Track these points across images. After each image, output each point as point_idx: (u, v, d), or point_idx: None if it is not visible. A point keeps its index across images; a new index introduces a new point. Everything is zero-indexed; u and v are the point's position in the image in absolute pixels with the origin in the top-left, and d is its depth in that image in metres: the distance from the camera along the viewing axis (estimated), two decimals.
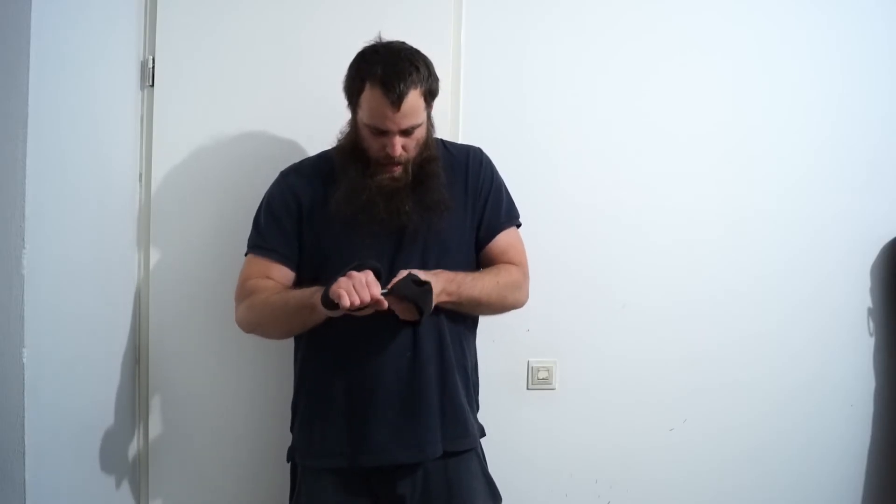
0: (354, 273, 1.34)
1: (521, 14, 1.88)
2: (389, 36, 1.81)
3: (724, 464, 1.97)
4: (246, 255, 1.60)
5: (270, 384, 1.82)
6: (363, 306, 1.32)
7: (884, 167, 2.04)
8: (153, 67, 1.77)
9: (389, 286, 1.37)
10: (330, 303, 1.34)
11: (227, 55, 1.79)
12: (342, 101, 1.80)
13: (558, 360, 1.86)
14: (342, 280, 1.33)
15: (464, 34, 1.82)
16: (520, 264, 1.60)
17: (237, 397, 1.81)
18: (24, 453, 1.25)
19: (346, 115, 1.80)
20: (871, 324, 2.04)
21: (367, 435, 1.48)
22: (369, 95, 1.45)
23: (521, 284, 1.59)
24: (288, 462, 1.61)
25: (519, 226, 1.65)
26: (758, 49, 1.97)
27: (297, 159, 1.79)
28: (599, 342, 1.90)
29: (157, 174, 1.78)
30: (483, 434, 1.61)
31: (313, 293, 1.41)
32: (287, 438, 1.80)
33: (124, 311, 1.75)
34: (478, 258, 1.60)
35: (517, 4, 1.88)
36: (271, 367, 1.81)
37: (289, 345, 1.80)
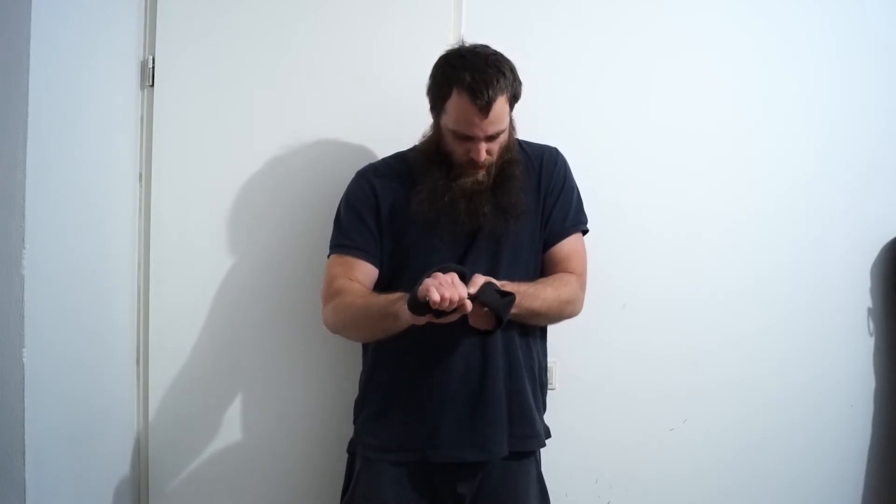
0: (440, 274, 1.32)
1: (522, 14, 1.88)
2: (389, 35, 1.82)
3: (724, 463, 1.96)
4: (329, 255, 1.59)
5: (271, 384, 1.82)
6: (449, 310, 1.30)
7: (884, 167, 2.04)
8: (153, 67, 1.77)
9: (474, 292, 1.34)
10: (417, 305, 1.31)
11: (227, 55, 1.78)
12: (341, 98, 1.81)
13: (558, 360, 1.85)
14: (428, 280, 1.30)
15: (464, 34, 1.82)
16: (579, 275, 1.60)
17: (237, 397, 1.81)
18: (24, 453, 1.25)
19: (346, 112, 1.82)
20: (871, 324, 2.04)
21: (437, 432, 1.50)
22: (456, 102, 1.44)
23: (579, 298, 1.60)
24: (347, 454, 1.63)
25: (585, 232, 1.65)
26: (758, 49, 1.97)
27: (297, 159, 1.80)
28: (599, 342, 1.90)
29: (157, 174, 1.78)
30: (549, 435, 1.62)
31: (395, 301, 1.39)
32: (287, 439, 1.81)
33: (124, 311, 1.75)
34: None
35: (517, 4, 1.88)
36: (271, 366, 1.81)
37: (287, 345, 1.81)
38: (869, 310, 2.04)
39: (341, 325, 1.55)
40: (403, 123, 1.76)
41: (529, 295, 1.48)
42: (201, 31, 1.78)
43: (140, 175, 1.78)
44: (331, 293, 1.54)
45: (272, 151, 1.80)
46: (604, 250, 1.88)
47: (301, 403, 1.82)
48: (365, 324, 1.50)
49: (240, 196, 1.79)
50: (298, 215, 1.80)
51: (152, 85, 1.77)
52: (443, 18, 1.83)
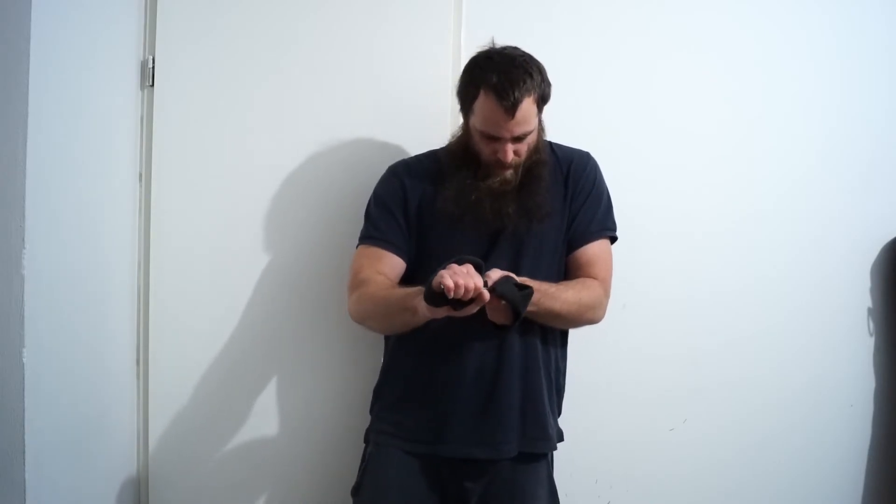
0: (455, 265, 1.32)
1: (522, 14, 1.88)
2: (389, 35, 1.82)
3: (725, 463, 1.96)
4: (357, 246, 1.60)
5: (271, 382, 1.82)
6: (466, 300, 1.30)
7: (884, 167, 2.04)
8: (153, 67, 1.77)
9: (491, 284, 1.34)
10: (433, 297, 1.31)
11: (227, 55, 1.78)
12: (342, 98, 1.81)
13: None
14: (444, 271, 1.31)
15: (464, 34, 1.82)
16: (603, 281, 1.58)
17: (238, 396, 1.81)
18: (24, 453, 1.25)
19: (345, 112, 1.81)
20: (871, 324, 2.04)
21: (447, 426, 1.51)
22: (483, 103, 1.45)
23: (602, 304, 1.58)
24: (364, 443, 1.63)
25: (614, 240, 1.64)
26: (757, 49, 1.97)
27: (297, 159, 1.80)
28: (599, 342, 1.90)
29: (157, 174, 1.78)
30: (561, 438, 1.62)
31: (414, 295, 1.40)
32: (285, 438, 1.81)
33: (124, 310, 1.75)
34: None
35: (517, 4, 1.88)
36: (272, 366, 1.81)
37: (288, 343, 1.81)
38: (869, 310, 2.04)
39: (363, 315, 1.56)
40: (403, 123, 1.77)
41: (550, 294, 1.47)
42: (201, 31, 1.78)
43: (140, 175, 1.78)
44: (355, 283, 1.56)
45: (272, 151, 1.80)
46: None
47: (304, 400, 1.82)
48: (385, 316, 1.52)
49: (240, 196, 1.79)
50: (298, 214, 1.80)
51: (152, 85, 1.77)
52: (443, 18, 1.83)
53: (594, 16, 1.91)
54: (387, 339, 1.65)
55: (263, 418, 1.81)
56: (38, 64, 1.26)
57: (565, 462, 1.79)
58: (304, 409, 1.82)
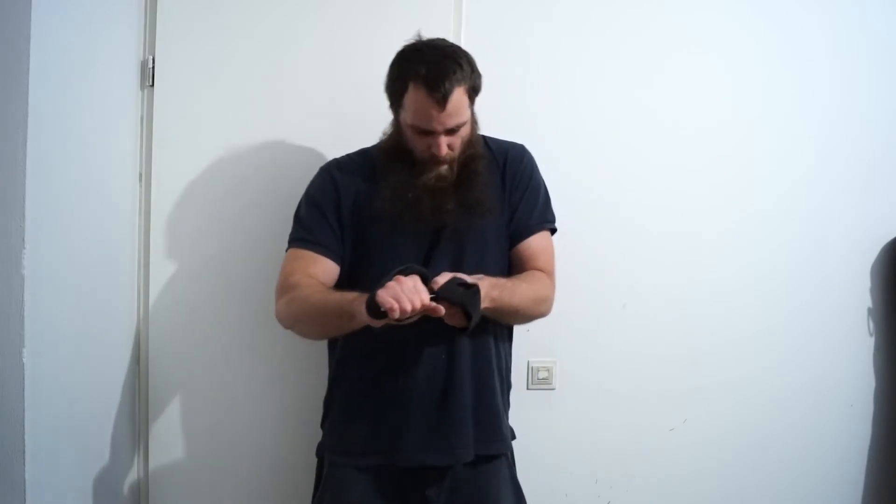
0: (402, 278, 1.28)
1: (522, 14, 1.88)
2: (389, 35, 1.82)
3: (724, 463, 1.97)
4: (287, 249, 1.56)
5: (270, 385, 1.82)
6: (410, 315, 1.26)
7: (884, 167, 2.04)
8: (153, 67, 1.77)
9: (437, 290, 1.31)
10: (376, 310, 1.26)
11: (227, 55, 1.79)
12: (342, 99, 1.82)
13: (558, 360, 1.86)
14: (390, 285, 1.26)
15: (464, 34, 1.82)
16: (549, 273, 1.57)
17: (236, 397, 1.81)
18: (24, 453, 1.25)
19: (346, 112, 1.82)
20: (871, 324, 2.04)
21: (401, 435, 1.47)
22: (413, 96, 1.42)
23: (551, 296, 1.57)
24: (317, 457, 1.59)
25: (553, 231, 1.62)
26: (758, 49, 1.97)
27: (297, 159, 1.80)
28: (599, 342, 1.90)
29: (157, 174, 1.78)
30: (514, 437, 1.60)
31: (353, 300, 1.35)
32: (287, 440, 1.81)
33: (124, 310, 1.75)
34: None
35: (517, 4, 1.88)
36: (272, 367, 1.82)
37: (289, 346, 1.81)
38: (869, 310, 2.04)
39: (294, 319, 1.49)
40: None
41: (508, 289, 1.45)
42: (201, 31, 1.78)
43: (140, 175, 1.78)
44: (285, 287, 1.49)
45: (272, 151, 1.80)
46: (604, 250, 1.89)
47: (301, 402, 1.82)
48: (320, 320, 1.45)
49: (240, 196, 1.80)
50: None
51: (152, 85, 1.77)
52: (443, 18, 1.83)
53: (594, 16, 1.91)
54: (331, 348, 1.61)
55: (263, 419, 1.81)
56: (38, 64, 1.26)
57: (565, 462, 1.79)
58: (302, 409, 1.82)
